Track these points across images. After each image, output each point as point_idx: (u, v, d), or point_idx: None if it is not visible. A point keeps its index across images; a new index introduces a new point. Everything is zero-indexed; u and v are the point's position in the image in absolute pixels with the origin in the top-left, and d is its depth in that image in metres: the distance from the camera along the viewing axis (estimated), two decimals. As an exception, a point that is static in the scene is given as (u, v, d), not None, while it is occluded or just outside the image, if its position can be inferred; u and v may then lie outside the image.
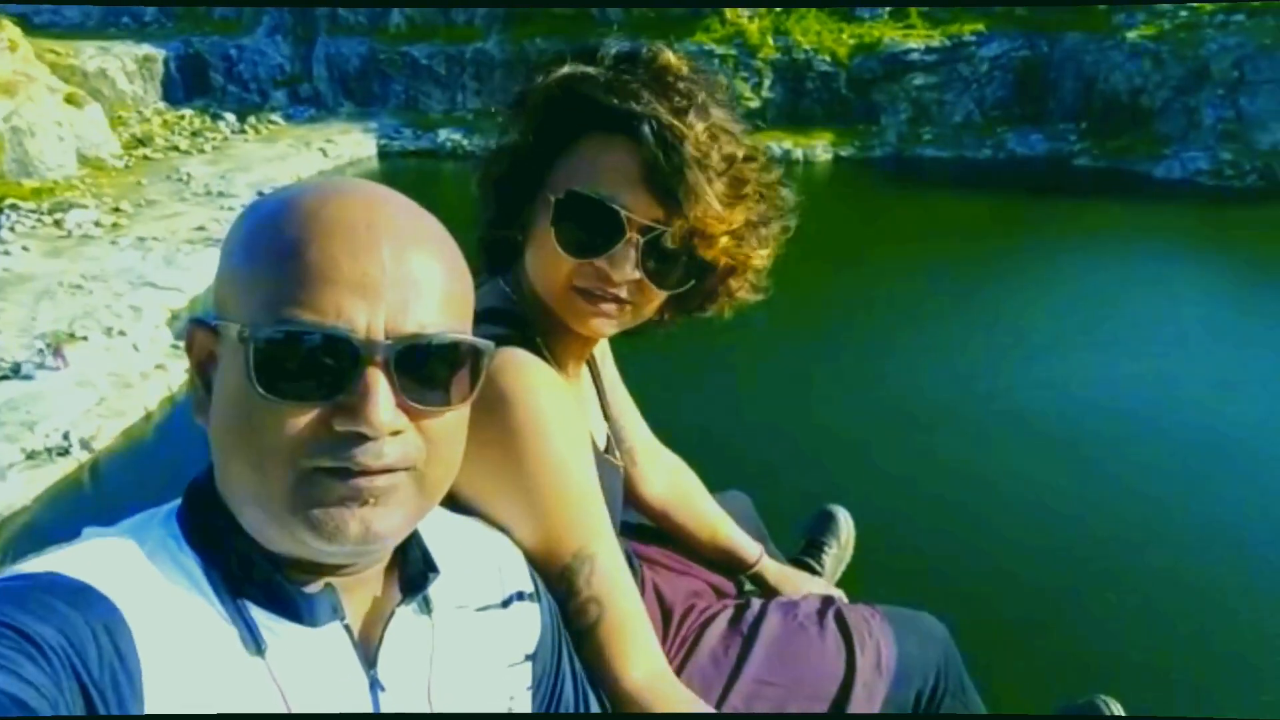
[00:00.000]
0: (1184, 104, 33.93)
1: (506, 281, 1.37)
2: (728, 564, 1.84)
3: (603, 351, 1.69)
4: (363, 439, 0.78)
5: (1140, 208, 28.58)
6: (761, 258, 1.36)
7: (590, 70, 1.25)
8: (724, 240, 1.26)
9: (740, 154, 1.26)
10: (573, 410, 1.31)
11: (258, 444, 0.77)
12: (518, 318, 1.31)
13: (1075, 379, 16.39)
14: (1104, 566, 11.23)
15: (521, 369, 1.22)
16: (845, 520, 2.18)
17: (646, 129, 1.20)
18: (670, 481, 1.85)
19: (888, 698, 1.57)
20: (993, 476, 13.44)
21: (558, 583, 1.21)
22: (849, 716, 1.51)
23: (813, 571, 2.05)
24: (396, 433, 0.79)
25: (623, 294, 1.26)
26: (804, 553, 2.13)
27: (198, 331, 0.84)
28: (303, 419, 0.78)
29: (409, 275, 0.80)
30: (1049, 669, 9.21)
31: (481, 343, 0.85)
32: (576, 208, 1.23)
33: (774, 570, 1.88)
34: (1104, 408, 15.31)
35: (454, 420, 0.86)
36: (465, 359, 0.84)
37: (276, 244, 0.79)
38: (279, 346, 0.77)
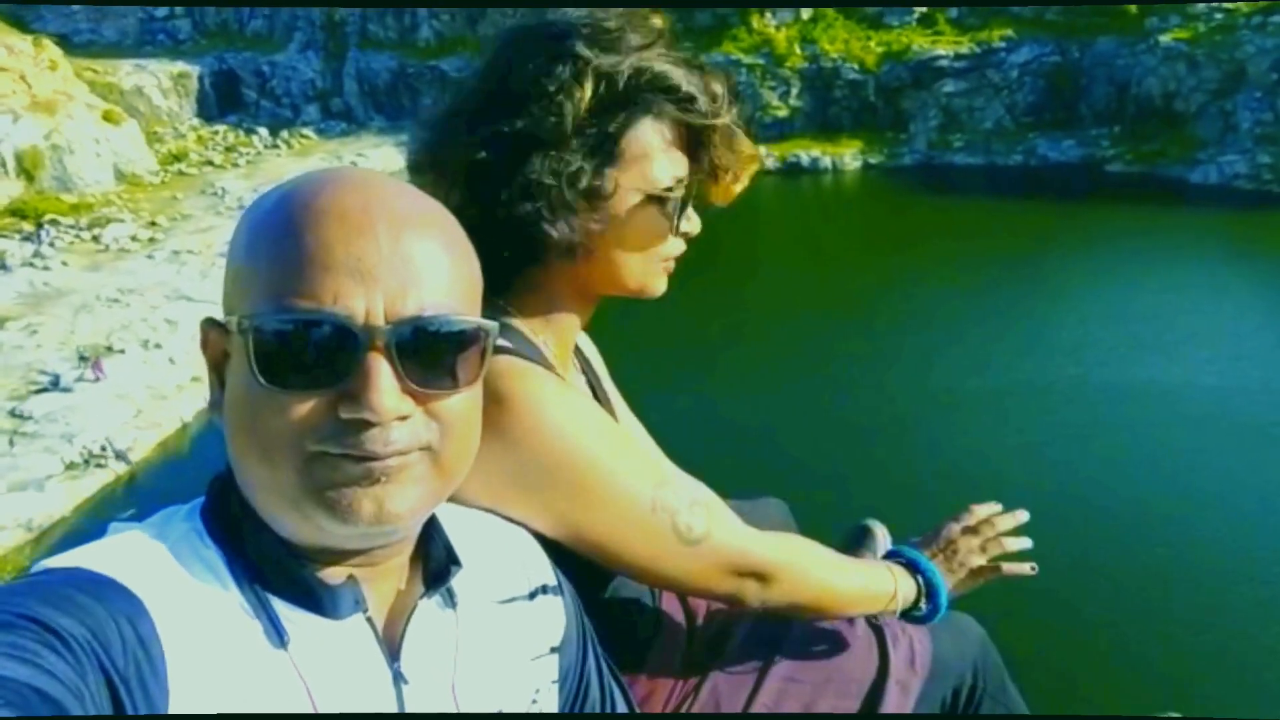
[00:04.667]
0: (1220, 107, 33.44)
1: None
2: None
3: (593, 355, 1.66)
4: (368, 425, 0.77)
5: (1176, 214, 28.09)
6: (750, 145, 1.44)
7: (608, 59, 1.28)
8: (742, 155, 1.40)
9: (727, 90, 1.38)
10: (580, 397, 1.36)
11: (264, 434, 0.78)
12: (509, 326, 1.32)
13: (1119, 390, 16.11)
14: (1148, 577, 11.07)
15: (522, 373, 1.22)
16: (883, 537, 2.13)
17: (670, 106, 1.32)
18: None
19: (923, 695, 1.53)
20: (1033, 485, 13.27)
21: (666, 542, 1.27)
22: (885, 717, 1.48)
23: None
24: (404, 417, 0.78)
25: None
26: None
27: (210, 330, 0.85)
28: (307, 407, 0.77)
29: (406, 257, 0.79)
30: (1100, 681, 9.09)
31: (485, 323, 0.84)
32: (677, 191, 1.35)
33: None
34: (1150, 419, 15.04)
35: (465, 402, 0.84)
36: (470, 340, 0.83)
37: (274, 235, 0.79)
38: (278, 335, 0.77)
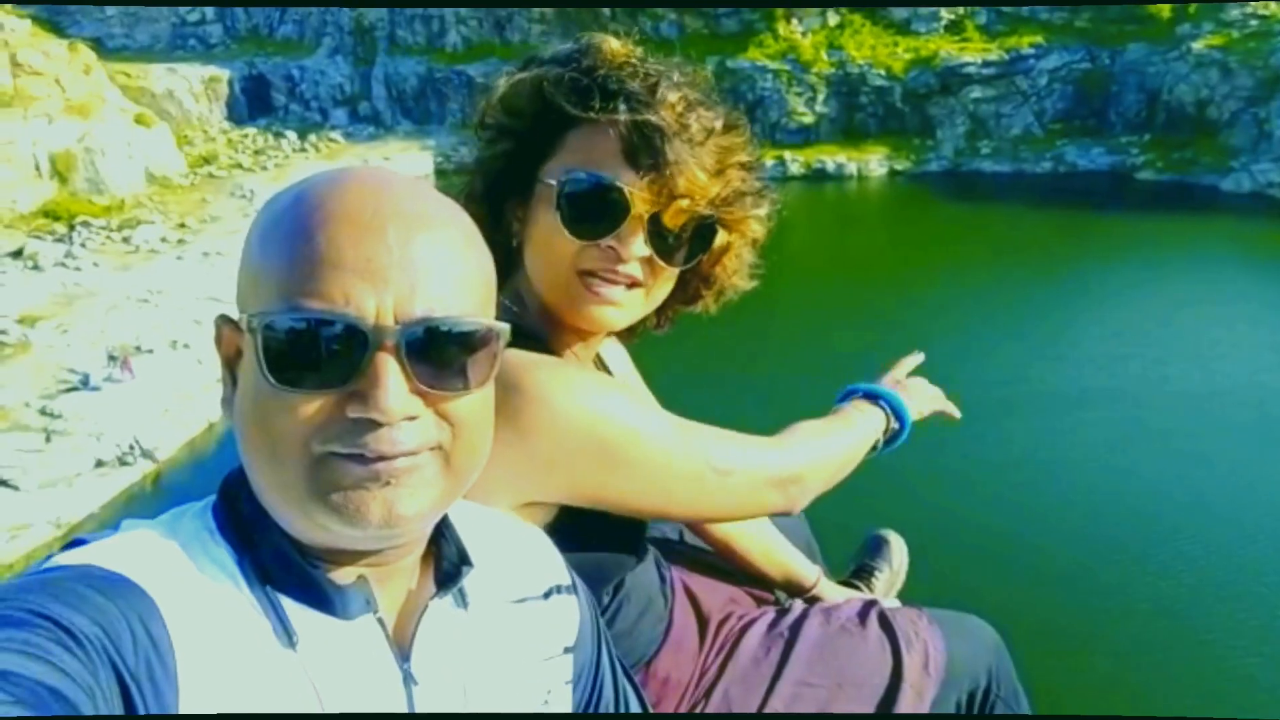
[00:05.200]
0: (1254, 115, 33.02)
1: (506, 296, 1.31)
2: (786, 590, 1.80)
3: (621, 364, 1.65)
4: (376, 425, 0.76)
5: (1208, 221, 27.74)
6: (758, 230, 1.34)
7: (556, 70, 1.25)
8: (721, 210, 1.26)
9: (719, 125, 1.25)
10: (584, 371, 1.31)
11: (272, 432, 0.78)
12: (520, 330, 1.26)
13: (1150, 400, 15.93)
14: (1169, 585, 10.96)
15: (540, 362, 1.21)
16: (898, 546, 2.12)
17: (622, 106, 1.20)
18: None
19: (937, 698, 1.52)
20: (1058, 495, 13.17)
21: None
22: (894, 717, 1.47)
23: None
24: (412, 418, 0.78)
25: (635, 274, 1.23)
26: (854, 575, 2.07)
27: (224, 327, 0.85)
28: (315, 406, 0.77)
29: (416, 258, 0.78)
30: (1104, 683, 9.03)
31: (496, 324, 0.83)
32: (579, 189, 1.21)
33: (832, 593, 1.83)
34: (1182, 429, 14.84)
35: (475, 403, 0.83)
36: (481, 341, 0.82)
37: (286, 235, 0.79)
38: (287, 335, 0.76)
